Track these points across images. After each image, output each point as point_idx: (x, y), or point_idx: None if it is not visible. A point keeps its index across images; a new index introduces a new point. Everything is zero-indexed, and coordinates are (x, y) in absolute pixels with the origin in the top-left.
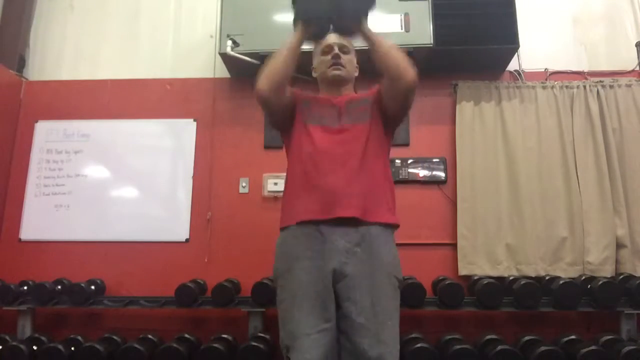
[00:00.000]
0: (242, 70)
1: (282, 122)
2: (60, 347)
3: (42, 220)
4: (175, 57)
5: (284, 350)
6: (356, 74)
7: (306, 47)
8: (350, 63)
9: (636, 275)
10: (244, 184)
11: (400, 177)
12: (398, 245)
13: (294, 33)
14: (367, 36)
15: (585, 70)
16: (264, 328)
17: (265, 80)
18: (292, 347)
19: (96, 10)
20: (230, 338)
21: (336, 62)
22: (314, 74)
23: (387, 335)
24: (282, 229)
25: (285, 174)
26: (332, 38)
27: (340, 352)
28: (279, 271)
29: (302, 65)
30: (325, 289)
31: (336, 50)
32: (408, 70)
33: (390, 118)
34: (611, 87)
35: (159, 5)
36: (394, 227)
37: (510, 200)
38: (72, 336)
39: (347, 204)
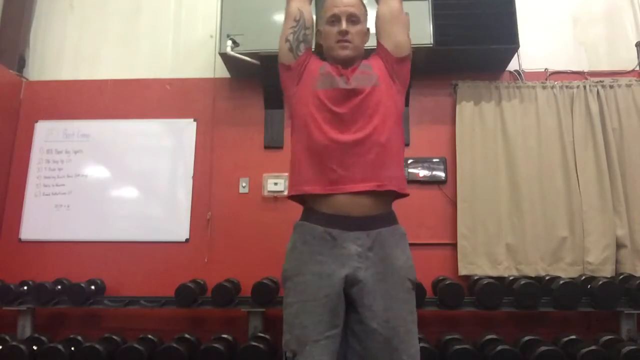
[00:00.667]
0: (242, 70)
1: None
2: (60, 347)
3: (42, 220)
4: (175, 57)
5: (290, 353)
6: (367, 41)
7: None
8: (359, 35)
9: (636, 275)
10: (244, 184)
11: None
12: None
13: None
14: None
15: (585, 70)
16: (264, 328)
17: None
18: (299, 352)
19: (96, 10)
20: (230, 338)
21: (343, 40)
22: (319, 39)
23: (399, 341)
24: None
25: (286, 173)
26: (338, 4)
27: (346, 353)
28: (288, 273)
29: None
30: (336, 294)
31: (344, 25)
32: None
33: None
34: (611, 87)
35: (159, 5)
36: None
37: (510, 200)
38: (72, 336)
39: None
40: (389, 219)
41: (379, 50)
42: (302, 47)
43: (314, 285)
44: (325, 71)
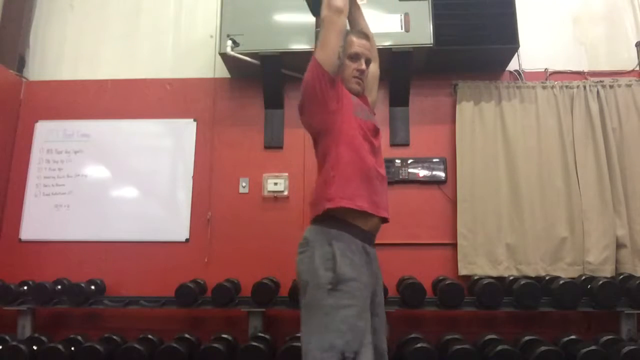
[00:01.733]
0: (242, 70)
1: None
2: (60, 347)
3: (42, 220)
4: (175, 57)
5: (351, 353)
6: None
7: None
8: (371, 74)
9: (636, 275)
10: (244, 184)
11: (400, 177)
12: (398, 245)
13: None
14: None
15: (585, 70)
16: (264, 328)
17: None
18: (359, 352)
19: (96, 10)
20: (230, 338)
21: (359, 77)
22: (338, 62)
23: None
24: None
25: (286, 173)
26: (361, 45)
27: None
28: (345, 276)
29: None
30: (368, 306)
31: (363, 65)
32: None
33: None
34: (611, 87)
35: (159, 6)
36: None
37: (510, 200)
38: (72, 336)
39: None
40: None
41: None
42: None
43: (364, 294)
44: (357, 101)
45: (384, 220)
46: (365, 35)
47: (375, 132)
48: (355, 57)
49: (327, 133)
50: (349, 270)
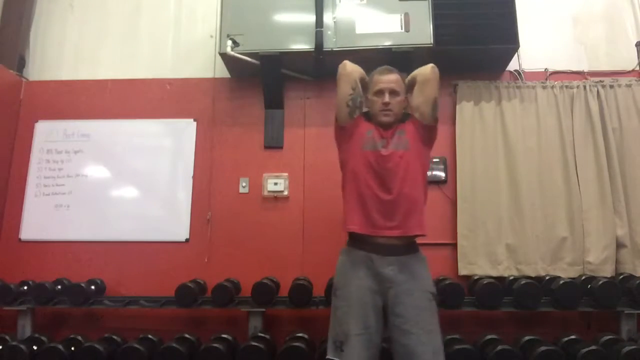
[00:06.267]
0: (242, 70)
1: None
2: (60, 347)
3: (42, 220)
4: (175, 57)
5: (338, 343)
6: (404, 109)
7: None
8: (398, 105)
9: (636, 275)
10: (244, 184)
11: None
12: None
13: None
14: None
15: (585, 70)
16: (264, 328)
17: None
18: (345, 342)
19: (96, 10)
20: (230, 338)
21: (386, 109)
22: (366, 106)
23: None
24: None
25: (286, 173)
26: (383, 81)
27: (392, 350)
28: (339, 285)
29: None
30: (370, 304)
31: (387, 98)
32: (427, 69)
33: (426, 129)
34: (611, 87)
35: (159, 5)
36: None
37: (510, 200)
38: (72, 336)
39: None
40: (413, 248)
41: (412, 117)
42: (357, 112)
43: (355, 295)
44: (371, 136)
45: (405, 237)
46: (389, 70)
47: (384, 160)
48: (379, 93)
49: (342, 167)
50: (342, 280)
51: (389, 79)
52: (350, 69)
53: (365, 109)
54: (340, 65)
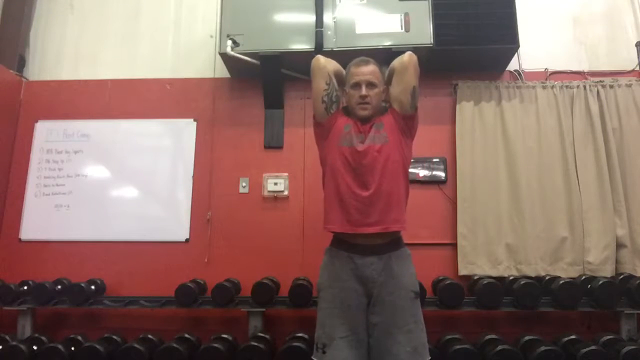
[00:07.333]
0: (242, 70)
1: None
2: (60, 347)
3: (42, 220)
4: (175, 57)
5: (321, 345)
6: (383, 102)
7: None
8: (376, 97)
9: (636, 275)
10: (244, 184)
11: None
12: None
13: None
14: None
15: (585, 70)
16: (263, 328)
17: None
18: (328, 344)
19: (96, 10)
20: (230, 338)
21: (363, 102)
22: (344, 99)
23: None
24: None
25: (286, 173)
26: (359, 73)
27: (369, 347)
28: (323, 285)
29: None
30: (355, 306)
31: (364, 91)
32: (404, 57)
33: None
34: (611, 87)
35: (159, 6)
36: (403, 242)
37: (510, 200)
38: (72, 336)
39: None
40: (397, 244)
41: (391, 108)
42: (334, 107)
43: (339, 297)
44: (348, 131)
45: (386, 233)
46: (365, 62)
47: (360, 155)
48: (356, 86)
49: (322, 164)
50: (326, 280)
51: (365, 70)
52: (323, 63)
53: (344, 104)
54: (314, 60)
